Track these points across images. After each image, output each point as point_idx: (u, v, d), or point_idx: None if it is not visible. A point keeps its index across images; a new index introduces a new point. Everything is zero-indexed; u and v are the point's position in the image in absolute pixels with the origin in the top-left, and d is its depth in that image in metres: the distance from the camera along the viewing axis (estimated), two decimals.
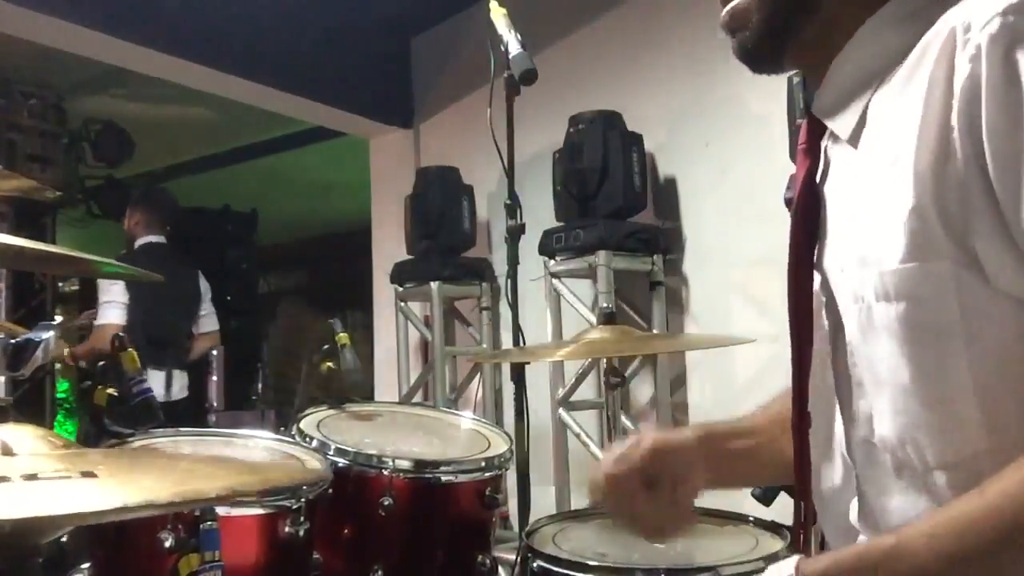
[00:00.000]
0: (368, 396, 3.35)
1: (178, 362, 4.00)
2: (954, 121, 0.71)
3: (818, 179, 0.89)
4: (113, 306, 3.75)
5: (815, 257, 0.88)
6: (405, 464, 1.55)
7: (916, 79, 0.75)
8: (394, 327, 4.04)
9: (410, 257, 3.89)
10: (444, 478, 1.57)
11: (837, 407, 0.87)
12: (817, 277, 0.88)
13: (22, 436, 0.77)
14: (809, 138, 0.90)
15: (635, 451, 1.03)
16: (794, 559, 0.76)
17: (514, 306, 1.93)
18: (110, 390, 1.53)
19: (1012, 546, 0.66)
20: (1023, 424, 0.73)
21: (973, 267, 0.72)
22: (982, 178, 0.70)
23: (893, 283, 0.76)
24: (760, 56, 0.90)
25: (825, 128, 0.89)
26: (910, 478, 0.80)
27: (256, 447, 1.54)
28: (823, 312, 0.88)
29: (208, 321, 4.28)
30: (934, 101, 0.73)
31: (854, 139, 0.84)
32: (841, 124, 0.85)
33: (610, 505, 1.06)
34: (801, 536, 0.93)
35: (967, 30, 0.71)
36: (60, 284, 5.72)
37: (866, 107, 0.82)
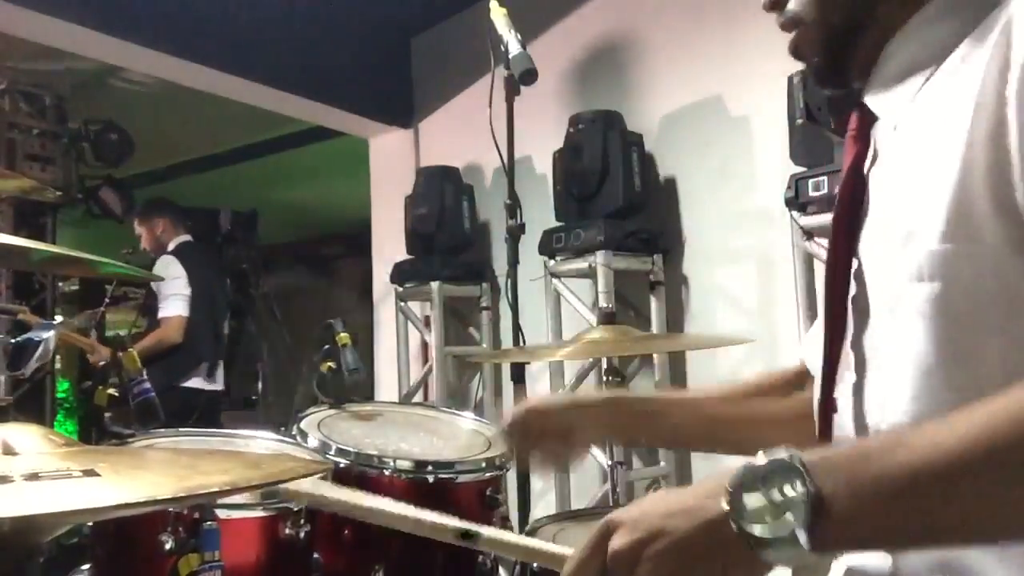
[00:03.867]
0: (368, 396, 3.35)
1: (223, 354, 4.40)
2: (1010, 92, 0.71)
3: (866, 167, 0.90)
4: (178, 299, 3.98)
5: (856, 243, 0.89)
6: (405, 464, 1.55)
7: (973, 59, 0.76)
8: (394, 327, 4.04)
9: (410, 257, 3.89)
10: (444, 478, 1.57)
11: (850, 391, 0.88)
12: (853, 263, 0.89)
13: (24, 435, 0.77)
14: (859, 125, 0.91)
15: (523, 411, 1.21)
16: (783, 447, 0.73)
17: (514, 306, 1.93)
18: (110, 390, 1.54)
19: (1003, 470, 0.62)
20: None
21: (1019, 248, 0.72)
22: None
23: (929, 263, 0.76)
24: (830, 81, 0.95)
25: (875, 116, 0.89)
26: None
27: (256, 447, 1.54)
28: (851, 296, 0.88)
29: None
30: (992, 76, 0.73)
31: (904, 124, 0.85)
32: (892, 109, 0.86)
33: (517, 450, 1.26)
34: None
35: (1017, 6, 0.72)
36: (60, 284, 5.71)
37: (918, 92, 0.83)
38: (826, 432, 0.90)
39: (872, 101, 0.89)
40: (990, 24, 0.76)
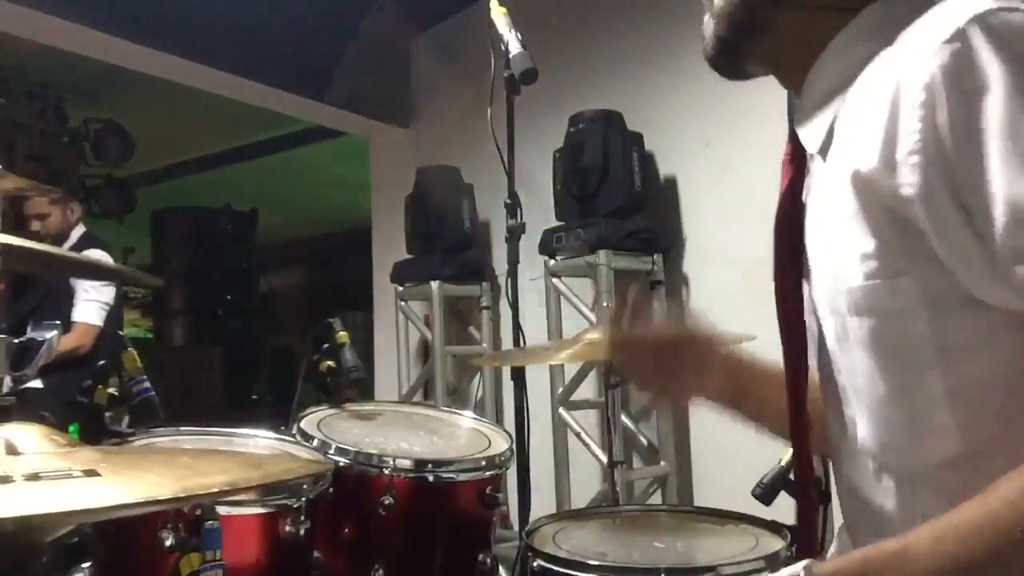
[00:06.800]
0: (368, 395, 3.35)
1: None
2: (903, 137, 0.70)
3: (804, 191, 0.90)
4: (99, 307, 3.56)
5: (804, 267, 0.89)
6: (406, 463, 1.55)
7: (870, 95, 0.75)
8: (394, 327, 4.04)
9: (410, 257, 3.89)
10: (445, 477, 1.57)
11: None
12: (807, 286, 0.89)
13: (26, 435, 0.77)
14: (793, 150, 0.91)
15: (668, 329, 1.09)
16: (801, 563, 0.75)
17: (514, 306, 1.93)
18: (110, 390, 1.53)
19: (1016, 554, 0.65)
20: (995, 423, 0.74)
21: (940, 275, 0.72)
22: (948, 194, 0.69)
23: (863, 299, 0.77)
24: (721, 66, 0.95)
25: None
26: (890, 482, 0.81)
27: (256, 446, 1.54)
28: (815, 318, 0.89)
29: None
30: (880, 120, 0.72)
31: (823, 152, 0.84)
32: (812, 138, 0.86)
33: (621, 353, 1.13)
34: (804, 535, 0.93)
35: (919, 58, 0.70)
36: None
37: (833, 121, 0.82)
38: (802, 448, 0.91)
39: (800, 130, 0.88)
40: (889, 55, 0.74)
